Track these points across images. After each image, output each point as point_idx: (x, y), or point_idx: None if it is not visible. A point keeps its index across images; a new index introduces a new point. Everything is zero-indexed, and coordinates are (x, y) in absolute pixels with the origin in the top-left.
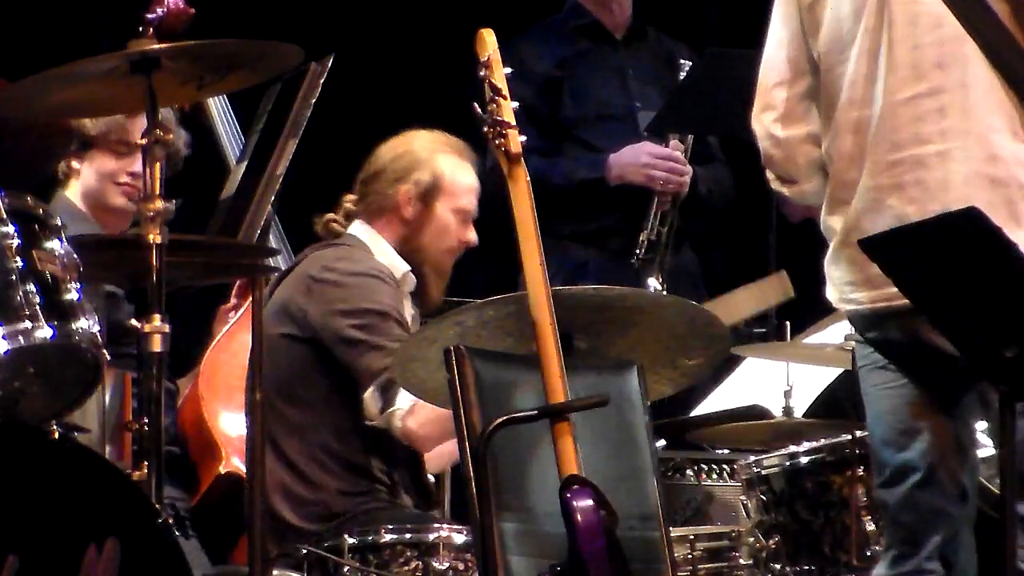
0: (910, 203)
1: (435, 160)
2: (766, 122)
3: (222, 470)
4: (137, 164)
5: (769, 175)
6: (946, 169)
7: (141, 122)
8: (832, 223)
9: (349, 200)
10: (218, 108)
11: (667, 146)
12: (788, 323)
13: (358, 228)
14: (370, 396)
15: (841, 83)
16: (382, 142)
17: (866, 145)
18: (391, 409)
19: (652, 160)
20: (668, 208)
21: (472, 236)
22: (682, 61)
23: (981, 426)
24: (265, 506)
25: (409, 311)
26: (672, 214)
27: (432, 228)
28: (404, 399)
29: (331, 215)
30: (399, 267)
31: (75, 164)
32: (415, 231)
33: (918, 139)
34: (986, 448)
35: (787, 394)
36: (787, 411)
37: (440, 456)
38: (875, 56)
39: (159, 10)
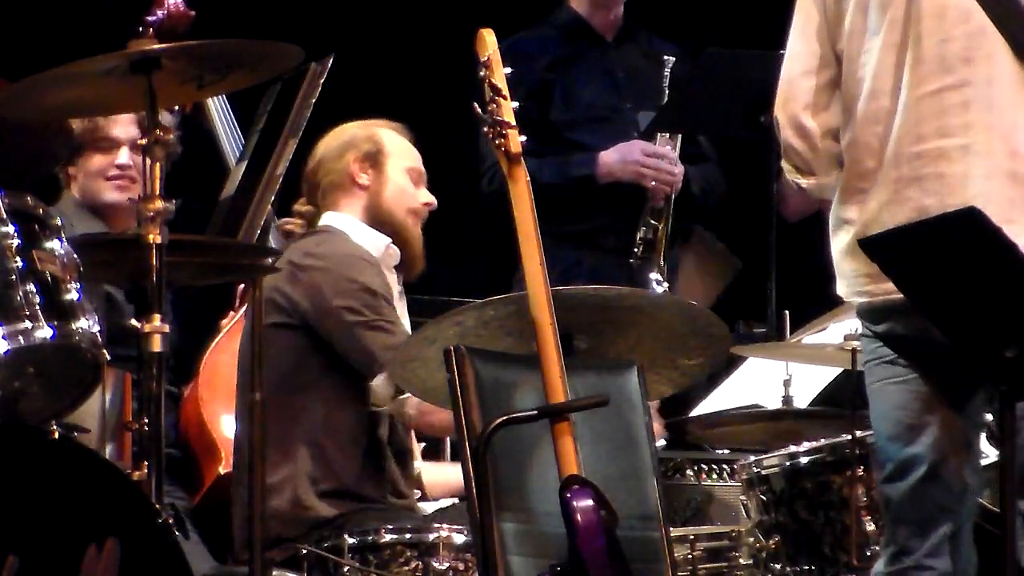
0: (930, 196)
1: (370, 130)
2: (793, 110)
3: (222, 471)
4: (123, 157)
5: (785, 165)
6: (967, 163)
7: (120, 117)
8: (846, 214)
9: (300, 203)
10: (217, 109)
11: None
12: (787, 312)
13: (329, 218)
14: (380, 382)
15: (863, 73)
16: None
17: (886, 136)
18: (403, 396)
19: (642, 158)
20: (663, 206)
21: (430, 196)
22: (666, 58)
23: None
24: (264, 506)
25: (396, 287)
26: (667, 211)
27: (390, 189)
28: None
29: (286, 219)
30: (379, 243)
31: (71, 171)
32: (376, 196)
33: (942, 132)
34: (986, 456)
35: (787, 384)
36: (786, 400)
37: (443, 487)
38: (901, 48)
39: (159, 12)
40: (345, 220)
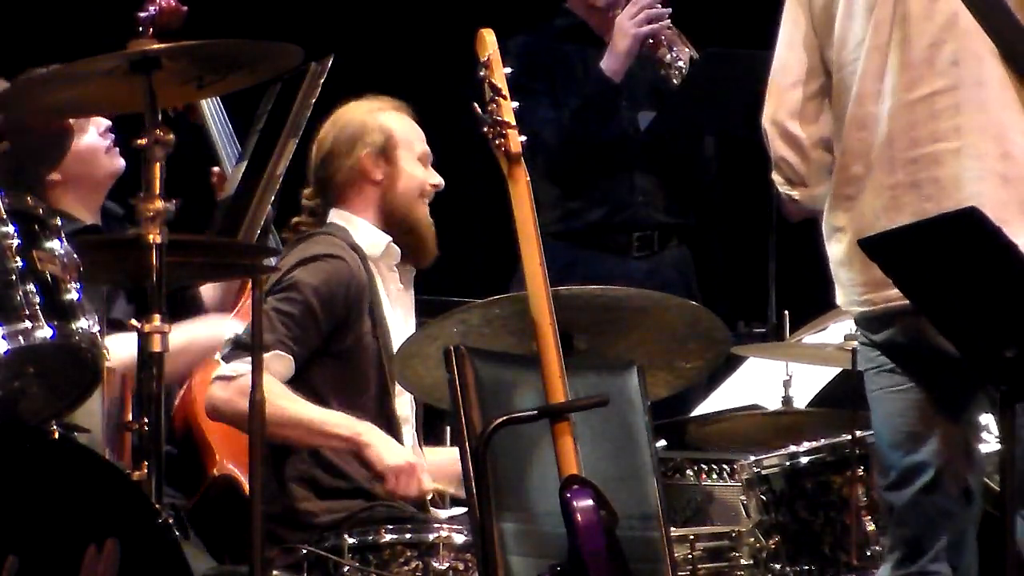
0: (927, 200)
1: (378, 119)
2: (782, 120)
3: (216, 472)
4: (102, 121)
5: (777, 178)
6: (960, 166)
7: None
8: (838, 221)
9: (307, 196)
10: (210, 108)
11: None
12: (787, 312)
13: (334, 215)
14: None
15: (852, 80)
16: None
17: (872, 141)
18: (221, 368)
19: (627, 22)
20: (668, 52)
21: (437, 178)
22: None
23: (985, 419)
24: (266, 507)
25: (396, 285)
26: (673, 51)
27: (403, 181)
28: (238, 367)
29: (296, 219)
30: (379, 241)
31: (54, 175)
32: (389, 190)
33: (934, 136)
34: (990, 444)
35: (786, 384)
36: (786, 401)
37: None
38: (886, 51)
39: (151, 8)
40: (348, 219)
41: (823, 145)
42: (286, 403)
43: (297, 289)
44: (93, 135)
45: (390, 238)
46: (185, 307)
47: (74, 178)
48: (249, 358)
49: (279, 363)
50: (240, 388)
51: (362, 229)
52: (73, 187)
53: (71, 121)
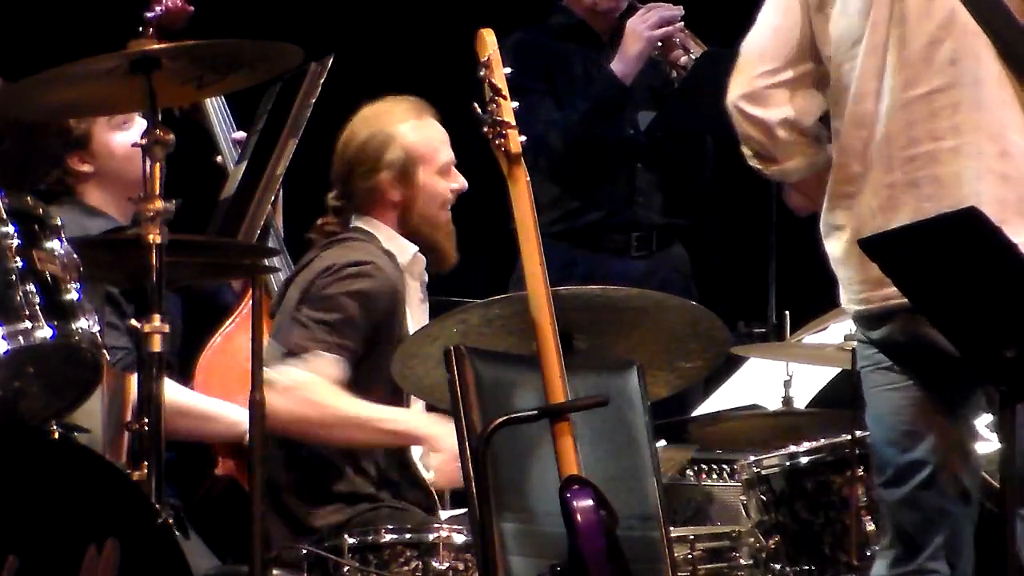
0: (926, 200)
1: (398, 133)
2: (744, 106)
3: (217, 472)
4: (140, 122)
5: (746, 151)
6: (959, 165)
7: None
8: (836, 220)
9: (332, 197)
10: (215, 108)
11: None
12: (787, 312)
13: (358, 221)
14: (272, 347)
15: (850, 78)
16: (340, 131)
17: (870, 139)
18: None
19: (640, 26)
20: (684, 54)
21: (461, 182)
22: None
23: (984, 420)
24: (266, 506)
25: (418, 294)
26: (690, 53)
27: (423, 197)
28: (286, 372)
29: (322, 219)
30: (407, 250)
31: (85, 167)
32: (409, 207)
33: (932, 135)
34: (989, 442)
35: (787, 384)
36: (787, 401)
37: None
38: (884, 50)
39: (157, 8)
40: (376, 226)
41: (788, 126)
42: (339, 402)
43: (337, 299)
44: (135, 134)
45: (416, 248)
46: (214, 310)
47: (108, 173)
48: (295, 361)
49: (331, 366)
50: (292, 393)
51: (387, 237)
52: (106, 183)
53: (113, 119)
